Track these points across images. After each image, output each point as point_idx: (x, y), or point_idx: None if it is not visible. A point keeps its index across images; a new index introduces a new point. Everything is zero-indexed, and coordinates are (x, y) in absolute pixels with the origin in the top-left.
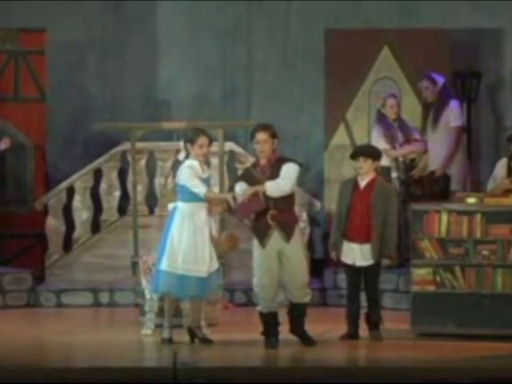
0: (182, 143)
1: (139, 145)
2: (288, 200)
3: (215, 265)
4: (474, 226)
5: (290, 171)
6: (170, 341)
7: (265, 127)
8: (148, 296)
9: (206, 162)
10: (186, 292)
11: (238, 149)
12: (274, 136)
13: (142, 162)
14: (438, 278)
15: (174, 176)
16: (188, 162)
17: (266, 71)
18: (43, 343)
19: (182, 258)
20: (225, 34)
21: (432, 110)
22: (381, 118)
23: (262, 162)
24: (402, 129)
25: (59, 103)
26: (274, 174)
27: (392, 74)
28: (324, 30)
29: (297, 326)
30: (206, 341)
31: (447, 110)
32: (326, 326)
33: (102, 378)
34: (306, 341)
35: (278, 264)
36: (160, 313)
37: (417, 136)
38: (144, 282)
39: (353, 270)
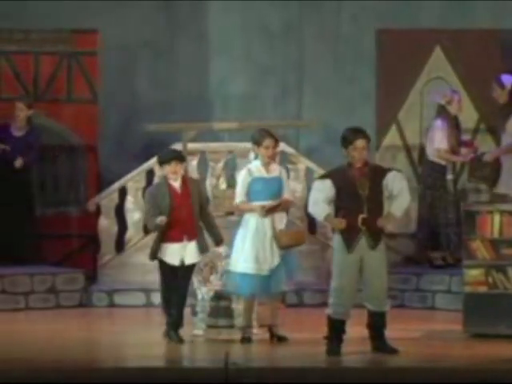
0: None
1: (190, 146)
2: (380, 206)
3: (276, 260)
4: None
5: (403, 182)
6: (248, 340)
7: (365, 134)
8: (200, 296)
9: (274, 162)
10: (246, 289)
11: (289, 149)
12: (369, 141)
13: (194, 163)
14: (490, 279)
15: (226, 177)
16: (249, 165)
17: (318, 71)
18: (95, 343)
19: (244, 257)
20: (276, 34)
21: (501, 114)
22: (445, 116)
23: (358, 164)
24: (457, 127)
25: (111, 104)
26: (376, 179)
27: (444, 74)
28: (375, 29)
29: (378, 341)
30: (283, 339)
31: None
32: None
33: (152, 378)
34: (390, 352)
35: (358, 270)
36: (212, 313)
37: (468, 139)
38: (196, 283)
39: None
